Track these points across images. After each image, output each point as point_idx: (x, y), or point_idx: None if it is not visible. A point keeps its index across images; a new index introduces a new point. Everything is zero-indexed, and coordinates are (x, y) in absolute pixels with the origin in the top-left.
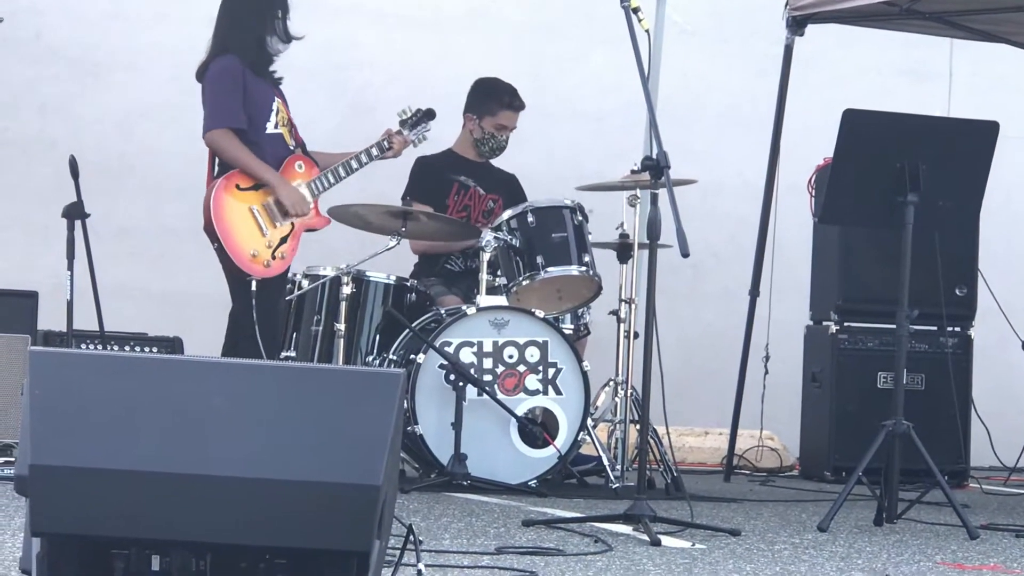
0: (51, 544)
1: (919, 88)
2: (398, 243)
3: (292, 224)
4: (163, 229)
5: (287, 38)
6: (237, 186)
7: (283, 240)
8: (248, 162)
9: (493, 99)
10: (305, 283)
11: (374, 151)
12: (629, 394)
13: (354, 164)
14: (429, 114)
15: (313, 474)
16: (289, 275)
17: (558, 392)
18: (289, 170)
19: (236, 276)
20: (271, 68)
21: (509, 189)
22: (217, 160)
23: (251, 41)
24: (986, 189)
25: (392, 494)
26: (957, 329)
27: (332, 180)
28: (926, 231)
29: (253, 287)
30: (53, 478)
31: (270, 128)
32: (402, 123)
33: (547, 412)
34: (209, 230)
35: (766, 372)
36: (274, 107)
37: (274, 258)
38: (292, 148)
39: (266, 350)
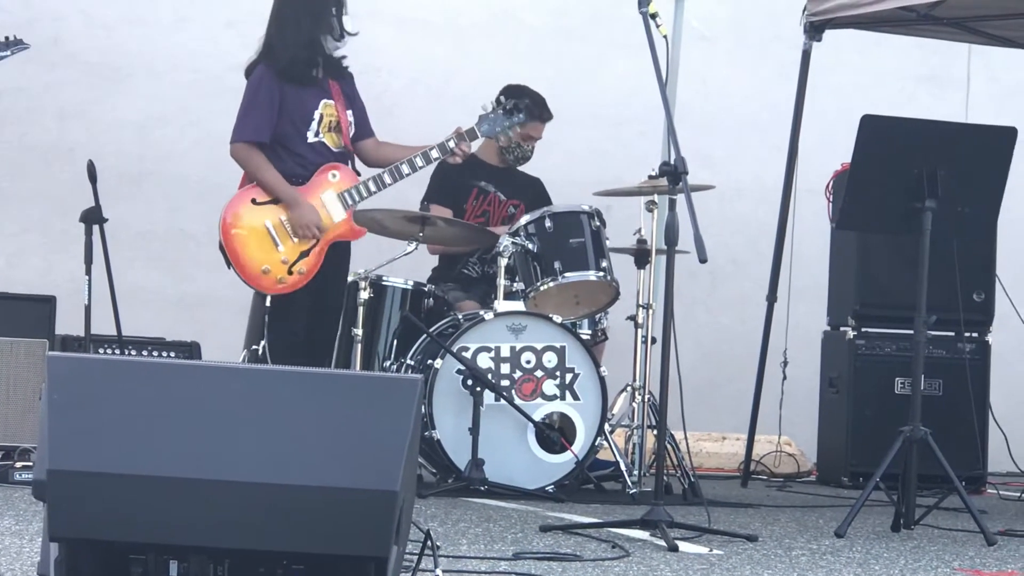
0: (69, 549)
1: (937, 94)
2: (416, 248)
3: (316, 238)
4: (181, 234)
5: (341, 35)
6: (253, 200)
7: (303, 255)
8: (265, 178)
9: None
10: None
11: (434, 153)
12: (646, 399)
13: (405, 169)
14: (517, 108)
15: (331, 479)
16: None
17: (575, 397)
18: (321, 181)
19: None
20: (343, 61)
21: (532, 193)
22: None
23: (301, 45)
24: (1004, 195)
25: (410, 499)
26: (975, 335)
27: (373, 189)
28: (944, 237)
29: (268, 302)
30: (71, 483)
31: (311, 137)
32: (483, 117)
33: (564, 417)
34: (220, 247)
35: (784, 377)
36: (316, 115)
37: (291, 273)
38: (337, 152)
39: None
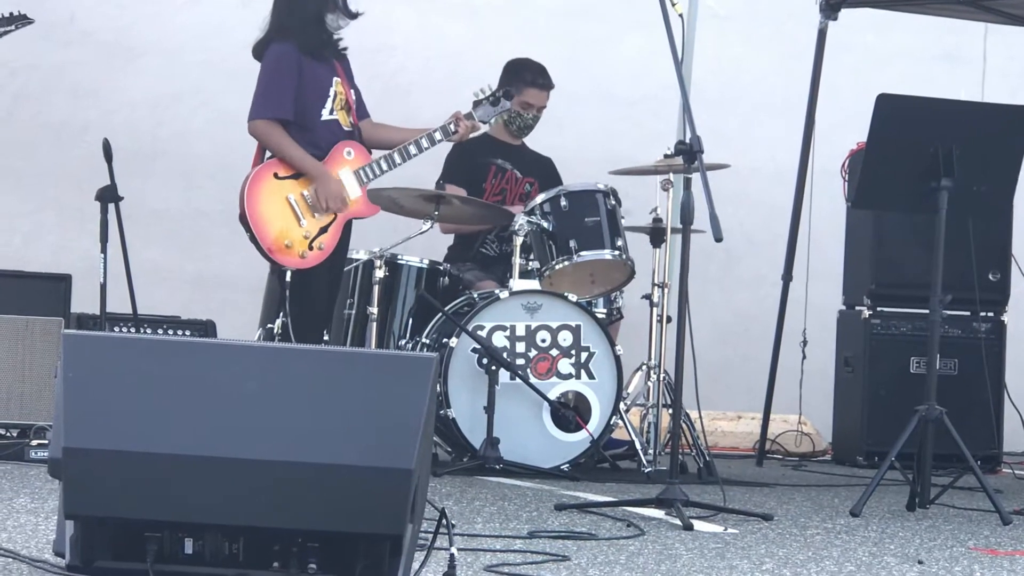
0: (84, 527)
1: (953, 73)
2: (431, 227)
3: (334, 214)
4: (196, 212)
5: (349, 14)
6: (275, 174)
7: (323, 230)
8: (290, 152)
9: (517, 77)
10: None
11: (437, 135)
12: (662, 378)
13: (412, 150)
14: (508, 95)
15: (346, 458)
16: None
17: (591, 376)
18: (337, 157)
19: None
20: (336, 38)
21: (544, 171)
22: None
23: (310, 22)
24: (1020, 174)
25: (425, 478)
26: (990, 314)
27: (385, 167)
28: (959, 216)
29: (288, 277)
30: (86, 461)
31: (325, 115)
32: (476, 104)
33: (580, 396)
34: (242, 219)
35: (804, 357)
36: (331, 92)
37: (311, 249)
38: (348, 131)
39: (301, 342)
